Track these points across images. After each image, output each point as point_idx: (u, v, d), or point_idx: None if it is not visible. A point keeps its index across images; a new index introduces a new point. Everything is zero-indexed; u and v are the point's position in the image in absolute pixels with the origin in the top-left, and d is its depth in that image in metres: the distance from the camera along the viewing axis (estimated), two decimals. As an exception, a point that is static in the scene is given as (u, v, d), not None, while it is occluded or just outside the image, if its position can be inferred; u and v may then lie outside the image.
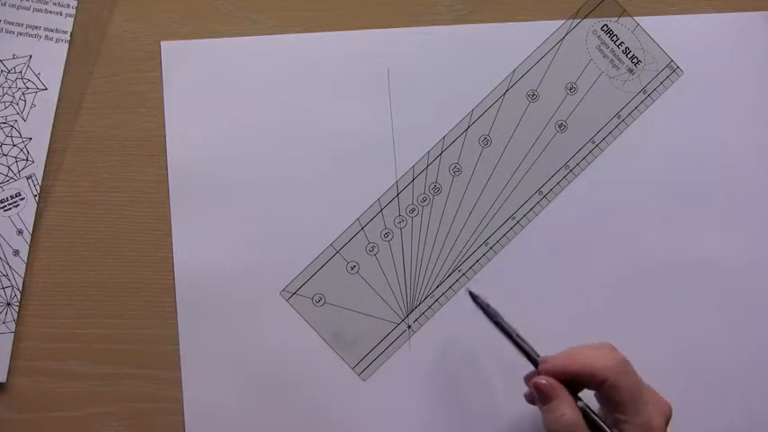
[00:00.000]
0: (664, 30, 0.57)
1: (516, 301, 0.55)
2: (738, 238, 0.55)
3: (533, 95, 0.56)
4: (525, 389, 0.50)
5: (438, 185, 0.56)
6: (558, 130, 0.56)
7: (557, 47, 0.56)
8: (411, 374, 0.54)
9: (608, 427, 0.46)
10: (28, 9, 0.56)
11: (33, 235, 0.55)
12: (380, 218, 0.55)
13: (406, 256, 0.55)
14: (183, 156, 0.55)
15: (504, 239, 0.55)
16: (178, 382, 0.54)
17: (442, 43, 0.56)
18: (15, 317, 0.54)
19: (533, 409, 0.49)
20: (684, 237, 0.55)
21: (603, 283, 0.54)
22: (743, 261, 0.55)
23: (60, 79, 0.55)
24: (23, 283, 0.54)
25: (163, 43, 0.56)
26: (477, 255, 0.55)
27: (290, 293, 0.55)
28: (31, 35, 0.55)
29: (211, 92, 0.56)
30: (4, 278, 0.54)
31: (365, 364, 0.54)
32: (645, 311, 0.54)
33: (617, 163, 0.56)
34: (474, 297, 0.50)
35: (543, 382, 0.46)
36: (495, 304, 0.54)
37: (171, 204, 0.55)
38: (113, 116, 0.56)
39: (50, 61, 0.55)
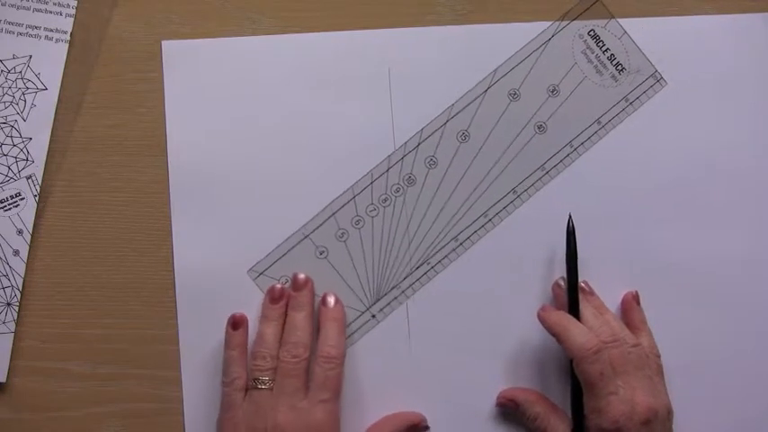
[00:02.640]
0: (663, 30, 0.56)
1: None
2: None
3: (515, 94, 0.56)
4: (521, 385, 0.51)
5: (413, 177, 0.55)
6: (536, 131, 0.56)
7: (542, 48, 0.56)
8: (411, 374, 0.55)
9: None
10: (28, 9, 0.55)
11: (33, 235, 0.55)
12: (353, 205, 0.55)
13: (376, 246, 0.55)
14: (183, 156, 0.55)
15: (475, 236, 0.55)
16: (178, 382, 0.54)
17: (443, 43, 0.56)
18: (15, 317, 0.54)
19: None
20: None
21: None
22: (734, 266, 0.55)
23: (60, 79, 0.55)
24: (23, 283, 0.54)
25: (163, 43, 0.56)
26: (447, 250, 0.55)
27: (258, 273, 0.55)
28: (31, 35, 0.55)
29: (211, 92, 0.56)
30: (4, 278, 0.54)
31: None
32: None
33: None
34: (570, 225, 0.53)
35: (502, 400, 0.53)
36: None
37: (171, 204, 0.55)
38: (113, 116, 0.56)
39: (50, 61, 0.55)
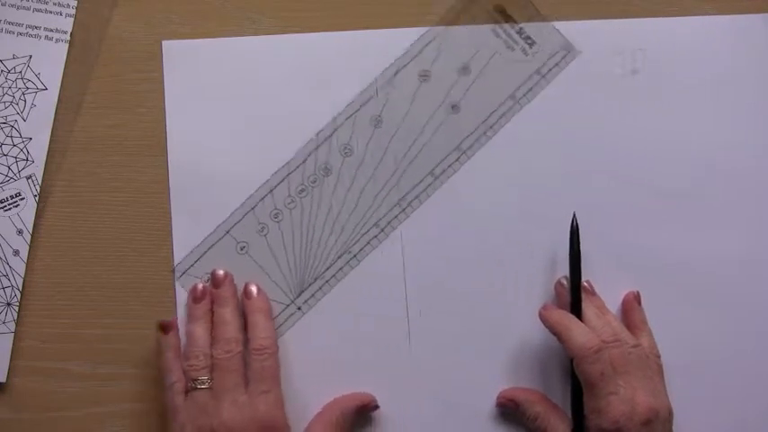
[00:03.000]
0: (661, 31, 0.57)
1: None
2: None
3: (425, 76, 0.56)
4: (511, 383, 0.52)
5: (328, 166, 0.55)
6: (451, 111, 0.55)
7: (450, 26, 0.56)
8: (411, 374, 0.55)
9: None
10: (28, 9, 0.55)
11: (33, 235, 0.55)
12: (270, 198, 0.55)
13: (296, 238, 0.55)
14: (183, 156, 0.55)
15: (396, 221, 0.55)
16: (178, 382, 0.54)
17: (443, 43, 0.56)
18: (15, 317, 0.54)
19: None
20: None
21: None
22: (733, 266, 0.55)
23: (60, 79, 0.55)
24: (23, 283, 0.54)
25: (164, 43, 0.56)
26: (368, 237, 0.55)
27: (181, 273, 0.55)
28: (31, 35, 0.55)
29: (211, 92, 0.56)
30: (4, 278, 0.54)
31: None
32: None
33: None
34: (574, 223, 0.53)
35: (502, 400, 0.53)
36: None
37: (171, 204, 0.55)
38: (113, 116, 0.56)
39: (50, 61, 0.55)
